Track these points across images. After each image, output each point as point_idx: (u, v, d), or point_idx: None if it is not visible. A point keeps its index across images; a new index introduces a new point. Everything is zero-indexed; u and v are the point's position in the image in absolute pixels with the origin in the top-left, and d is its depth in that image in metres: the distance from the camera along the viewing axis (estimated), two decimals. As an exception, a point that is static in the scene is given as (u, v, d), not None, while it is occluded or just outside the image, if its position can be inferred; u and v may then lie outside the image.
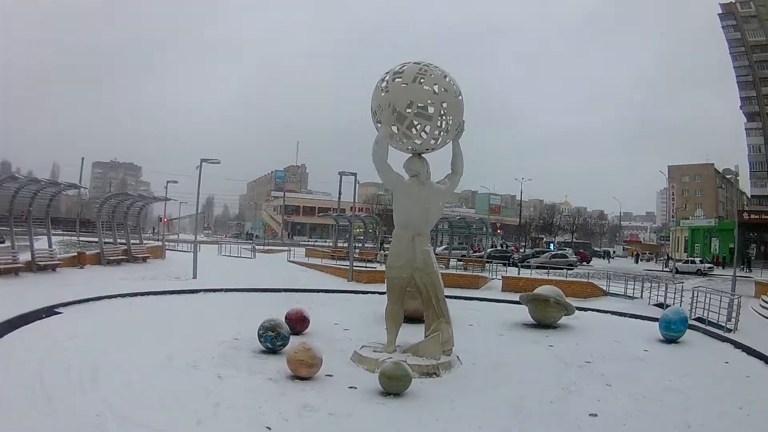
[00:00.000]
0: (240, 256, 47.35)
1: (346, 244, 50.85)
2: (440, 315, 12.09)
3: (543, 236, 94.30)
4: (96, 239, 33.44)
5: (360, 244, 50.24)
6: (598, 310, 22.92)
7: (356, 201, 41.24)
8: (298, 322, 15.00)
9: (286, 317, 14.73)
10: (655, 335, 17.34)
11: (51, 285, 21.69)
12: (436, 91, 12.04)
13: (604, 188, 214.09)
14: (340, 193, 40.86)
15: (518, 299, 20.59)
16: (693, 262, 58.14)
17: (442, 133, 12.33)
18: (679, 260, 63.24)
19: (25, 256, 24.87)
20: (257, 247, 56.36)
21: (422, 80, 11.96)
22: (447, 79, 12.23)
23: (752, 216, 69.09)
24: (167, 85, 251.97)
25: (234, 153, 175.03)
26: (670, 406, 10.41)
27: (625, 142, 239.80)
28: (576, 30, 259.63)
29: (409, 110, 12.00)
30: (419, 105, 12.05)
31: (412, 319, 15.04)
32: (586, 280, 29.69)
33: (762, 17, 73.36)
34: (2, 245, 30.07)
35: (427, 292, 12.17)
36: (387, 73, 12.35)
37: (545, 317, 19.01)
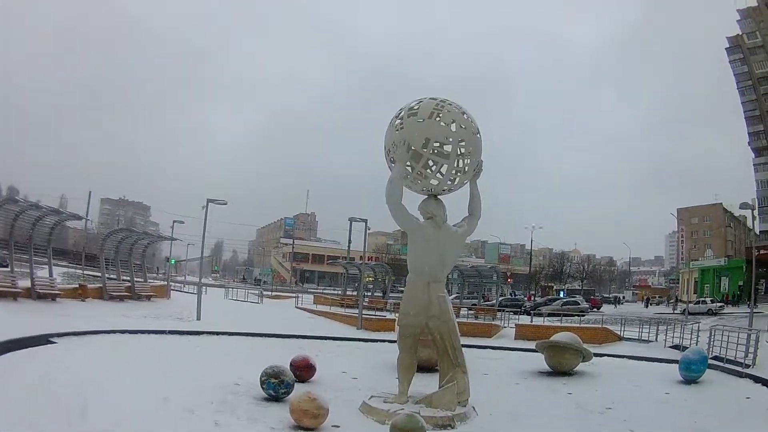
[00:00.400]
0: (247, 301, 46.99)
1: (355, 292, 50.74)
2: (456, 364, 11.33)
3: (553, 284, 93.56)
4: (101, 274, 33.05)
5: (369, 293, 50.24)
6: (614, 355, 22.28)
7: (366, 248, 40.93)
8: (303, 370, 14.26)
9: (291, 364, 13.99)
10: (674, 377, 16.93)
11: (49, 313, 21.35)
12: (454, 128, 11.35)
13: (613, 234, 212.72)
14: (349, 241, 40.46)
15: (534, 347, 19.91)
16: (704, 302, 57.41)
17: (459, 173, 11.66)
18: (688, 302, 62.67)
19: (25, 283, 24.51)
20: (265, 293, 55.84)
21: (439, 116, 11.28)
22: (465, 115, 11.54)
23: (761, 252, 66.95)
24: (179, 125, 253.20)
25: (244, 198, 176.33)
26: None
27: (635, 187, 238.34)
28: (584, 79, 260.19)
29: (425, 149, 11.33)
30: (436, 143, 11.43)
31: (425, 367, 14.46)
32: (600, 326, 29.39)
33: None
34: (3, 269, 29.78)
35: (443, 341, 11.42)
36: (401, 109, 11.70)
37: (562, 364, 18.32)
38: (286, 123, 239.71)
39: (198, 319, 27.37)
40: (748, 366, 17.42)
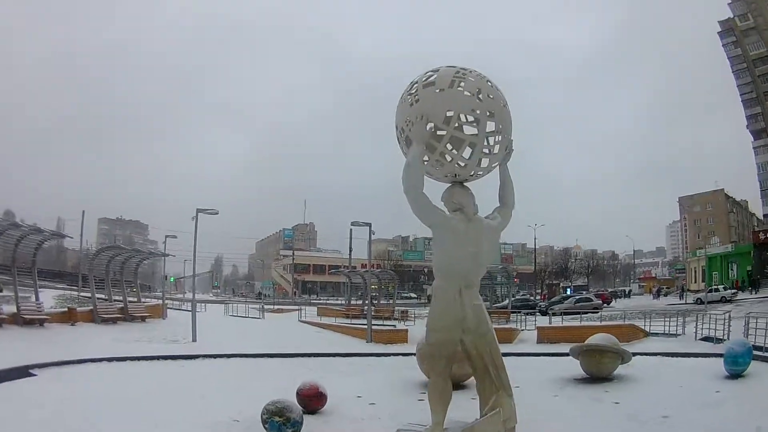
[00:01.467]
0: (248, 317, 45.54)
1: (359, 302, 50.17)
2: (500, 386, 9.21)
3: (559, 282, 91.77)
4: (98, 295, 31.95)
5: (375, 302, 48.67)
6: (647, 354, 20.33)
7: (371, 254, 38.99)
8: (312, 399, 12.20)
9: (298, 393, 12.00)
10: (717, 371, 15.59)
11: (34, 341, 20.30)
12: (481, 99, 9.11)
13: (612, 229, 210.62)
14: (351, 249, 39.04)
15: (562, 351, 18.48)
16: (717, 290, 55.75)
17: (489, 154, 9.42)
18: (698, 291, 62.34)
19: (11, 308, 23.59)
20: (266, 306, 54.59)
21: (461, 85, 8.99)
22: (490, 84, 9.31)
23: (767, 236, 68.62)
24: (177, 145, 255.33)
25: (243, 213, 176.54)
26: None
27: (632, 180, 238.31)
28: (575, 79, 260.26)
29: (447, 125, 9.00)
30: (460, 117, 9.03)
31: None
32: (626, 322, 28.16)
33: (760, 28, 72.68)
34: None
35: (482, 359, 9.23)
36: (413, 83, 9.38)
37: (601, 369, 16.44)
38: (281, 141, 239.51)
39: (194, 340, 25.69)
40: None
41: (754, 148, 73.47)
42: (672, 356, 19.97)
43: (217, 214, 28.08)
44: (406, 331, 28.83)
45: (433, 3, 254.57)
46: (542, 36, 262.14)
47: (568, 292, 71.50)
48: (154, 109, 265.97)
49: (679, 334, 25.38)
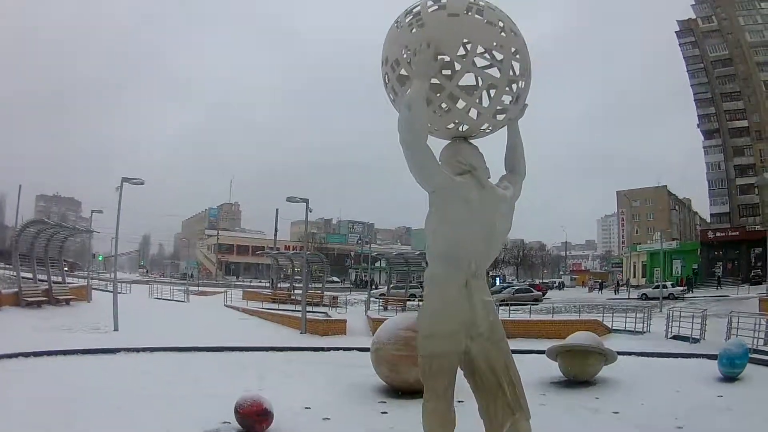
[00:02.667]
0: (173, 299, 43.27)
1: (286, 285, 48.76)
2: (516, 408, 6.95)
3: (488, 271, 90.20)
4: (28, 275, 29.94)
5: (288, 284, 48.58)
6: (624, 353, 18.14)
7: (307, 231, 36.51)
8: (256, 421, 9.19)
9: (237, 411, 9.19)
10: (709, 374, 14.92)
11: None
12: (504, 32, 6.81)
13: (541, 220, 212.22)
14: (276, 229, 36.79)
15: (533, 350, 16.99)
16: (664, 286, 54.86)
17: (513, 101, 7.07)
18: (638, 286, 64.47)
19: None
20: (191, 288, 52.00)
21: (480, 14, 6.72)
22: (511, 20, 6.99)
23: (717, 234, 70.70)
24: (121, 121, 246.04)
25: (174, 190, 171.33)
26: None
27: (565, 173, 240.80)
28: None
29: (464, 58, 6.71)
30: (479, 50, 6.74)
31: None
32: (592, 318, 27.05)
33: (725, 31, 74.36)
34: None
35: (494, 374, 6.77)
36: (409, 10, 6.94)
37: (584, 372, 14.47)
38: (225, 118, 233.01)
39: (115, 329, 23.12)
40: None
41: (704, 147, 75.43)
42: (649, 356, 18.70)
43: (143, 184, 25.73)
44: (344, 321, 26.78)
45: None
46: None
47: (497, 282, 71.55)
48: (101, 84, 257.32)
49: (645, 332, 24.22)
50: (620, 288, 67.77)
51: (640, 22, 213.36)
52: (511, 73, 6.78)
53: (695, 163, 74.00)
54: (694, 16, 77.03)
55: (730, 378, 14.50)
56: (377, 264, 78.11)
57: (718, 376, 14.63)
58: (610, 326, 24.87)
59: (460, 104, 6.85)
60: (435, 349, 6.64)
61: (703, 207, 77.02)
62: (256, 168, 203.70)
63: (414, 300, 39.26)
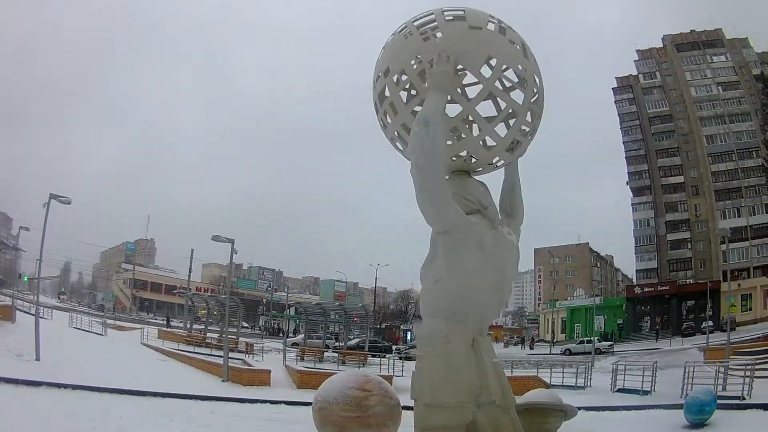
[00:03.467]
0: (91, 330, 41.06)
1: (201, 327, 48.57)
2: None
3: (399, 324, 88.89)
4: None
5: (203, 326, 48.48)
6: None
7: (231, 276, 35.12)
8: None
9: None
10: (675, 423, 15.10)
11: None
12: (527, 55, 5.99)
13: None
14: (190, 269, 35.20)
15: None
16: (589, 341, 54.93)
17: (528, 135, 6.22)
18: (556, 342, 65.70)
19: None
20: (108, 321, 49.91)
21: (503, 31, 5.89)
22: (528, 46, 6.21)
23: (645, 290, 71.60)
24: (62, 139, 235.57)
25: (97, 218, 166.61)
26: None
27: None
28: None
29: (487, 76, 5.80)
30: (504, 68, 5.83)
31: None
32: (530, 374, 27.28)
33: (667, 87, 76.73)
34: None
35: None
36: (416, 19, 5.98)
37: (546, 430, 13.25)
38: (155, 148, 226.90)
39: (37, 359, 21.52)
40: (745, 398, 16.98)
41: (632, 204, 76.78)
42: (601, 410, 18.07)
43: (69, 203, 24.96)
44: (269, 372, 25.22)
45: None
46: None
47: (408, 336, 69.82)
48: (44, 102, 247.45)
49: (586, 386, 24.13)
50: (535, 344, 68.44)
51: (576, 81, 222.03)
52: (531, 101, 5.95)
53: (619, 220, 75.02)
54: (635, 73, 78.96)
55: (698, 424, 14.65)
56: (286, 312, 77.07)
57: (684, 424, 14.72)
58: (548, 382, 24.04)
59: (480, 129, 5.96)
60: (439, 421, 5.50)
61: (625, 263, 78.12)
62: (174, 205, 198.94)
63: (328, 350, 39.00)
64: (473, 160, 6.15)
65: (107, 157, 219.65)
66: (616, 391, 22.07)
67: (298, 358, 37.14)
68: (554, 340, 70.23)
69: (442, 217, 5.49)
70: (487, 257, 5.66)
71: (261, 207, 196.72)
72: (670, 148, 75.83)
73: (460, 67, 5.79)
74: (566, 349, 53.45)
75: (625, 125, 77.00)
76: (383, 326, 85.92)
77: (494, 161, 6.28)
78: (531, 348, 63.58)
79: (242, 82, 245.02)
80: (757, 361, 19.89)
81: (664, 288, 69.66)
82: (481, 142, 5.95)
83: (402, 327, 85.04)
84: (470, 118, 5.88)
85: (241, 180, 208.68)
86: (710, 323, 49.74)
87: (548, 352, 56.14)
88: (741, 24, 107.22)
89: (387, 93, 6.10)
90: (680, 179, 74.55)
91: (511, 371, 29.14)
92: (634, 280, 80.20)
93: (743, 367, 18.45)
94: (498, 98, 5.88)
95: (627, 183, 76.81)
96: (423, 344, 5.84)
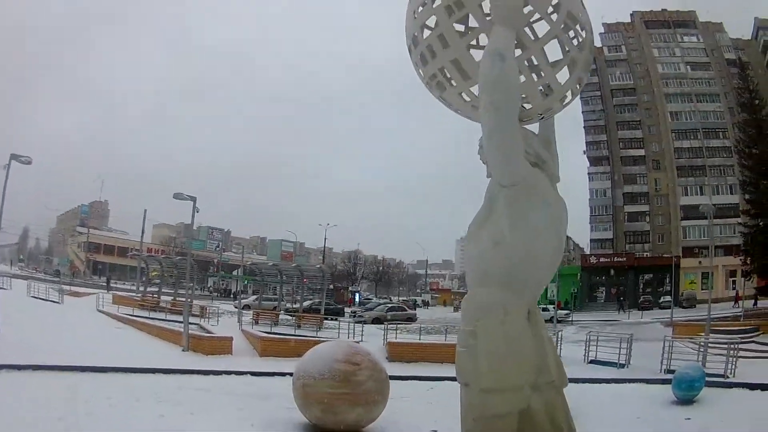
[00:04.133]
0: (48, 300, 39.57)
1: (154, 290, 47.78)
2: None
3: (347, 286, 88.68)
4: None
5: (157, 289, 47.98)
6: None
7: (196, 229, 34.49)
8: None
9: None
10: (663, 398, 15.02)
11: None
12: (584, 4, 5.50)
13: (397, 237, 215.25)
14: (143, 231, 34.23)
15: (449, 376, 15.31)
16: (546, 309, 55.01)
17: (581, 82, 5.63)
18: None
19: None
20: (64, 287, 48.49)
21: None
22: None
23: (601, 260, 72.27)
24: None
25: (56, 183, 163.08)
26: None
27: (425, 193, 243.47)
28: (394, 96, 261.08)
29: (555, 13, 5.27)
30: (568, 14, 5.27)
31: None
32: None
33: (633, 61, 77.35)
34: None
35: (553, 427, 5.12)
36: None
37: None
38: (121, 112, 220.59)
39: None
40: (728, 377, 16.99)
41: (589, 173, 76.83)
42: (581, 382, 17.02)
43: (30, 163, 24.12)
44: (231, 339, 24.24)
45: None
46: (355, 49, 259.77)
47: (357, 298, 71.53)
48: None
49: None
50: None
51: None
52: (588, 51, 5.48)
53: (574, 190, 74.32)
54: (600, 45, 78.64)
55: (687, 400, 14.50)
56: (236, 273, 75.89)
57: (672, 400, 14.57)
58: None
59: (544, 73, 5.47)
60: (497, 408, 4.87)
61: (578, 232, 78.37)
62: (127, 166, 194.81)
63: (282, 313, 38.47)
64: (527, 107, 5.52)
65: (66, 118, 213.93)
66: (590, 363, 21.86)
67: (254, 321, 36.49)
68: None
69: (513, 166, 4.94)
70: (553, 217, 5.18)
71: (213, 168, 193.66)
72: (632, 120, 76.35)
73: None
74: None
75: (585, 95, 75.94)
76: (332, 287, 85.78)
77: (542, 112, 5.68)
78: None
79: (204, 38, 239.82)
80: (742, 341, 20.18)
81: (621, 260, 70.32)
82: (541, 88, 5.41)
83: (350, 288, 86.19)
84: (534, 62, 5.35)
85: (198, 141, 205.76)
86: (668, 298, 50.93)
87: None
88: (715, 11, 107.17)
89: (433, 24, 5.40)
90: (641, 152, 75.04)
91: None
92: (587, 250, 79.96)
93: (726, 346, 18.41)
94: (564, 43, 5.31)
95: (584, 152, 76.98)
96: (475, 317, 5.14)
